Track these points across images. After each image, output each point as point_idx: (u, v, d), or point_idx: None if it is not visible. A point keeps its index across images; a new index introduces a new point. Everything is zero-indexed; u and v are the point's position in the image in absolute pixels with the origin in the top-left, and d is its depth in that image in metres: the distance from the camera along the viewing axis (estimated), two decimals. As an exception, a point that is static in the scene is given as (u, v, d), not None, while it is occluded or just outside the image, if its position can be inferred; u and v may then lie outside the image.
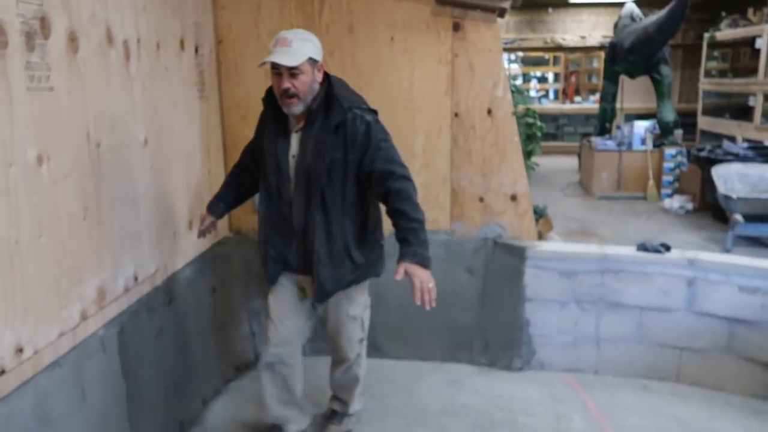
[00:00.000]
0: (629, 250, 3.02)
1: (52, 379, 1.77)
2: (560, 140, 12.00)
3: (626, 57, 7.54)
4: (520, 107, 5.04)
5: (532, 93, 13.71)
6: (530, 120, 5.01)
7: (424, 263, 2.01)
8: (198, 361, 2.79)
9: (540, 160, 10.33)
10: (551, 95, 14.42)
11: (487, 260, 3.15)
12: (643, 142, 7.52)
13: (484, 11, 2.87)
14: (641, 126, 7.57)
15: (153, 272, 2.40)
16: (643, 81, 8.20)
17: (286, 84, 2.01)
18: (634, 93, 9.43)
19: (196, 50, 2.81)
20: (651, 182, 7.44)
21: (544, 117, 12.26)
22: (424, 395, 2.96)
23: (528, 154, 5.04)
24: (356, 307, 2.39)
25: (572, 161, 9.77)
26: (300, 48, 2.02)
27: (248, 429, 2.70)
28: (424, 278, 1.98)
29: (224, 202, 2.49)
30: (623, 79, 8.38)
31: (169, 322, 2.52)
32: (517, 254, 3.06)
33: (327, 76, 2.17)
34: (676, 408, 2.81)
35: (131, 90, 2.21)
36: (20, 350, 1.62)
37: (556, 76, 14.39)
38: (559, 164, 10.16)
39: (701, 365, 2.95)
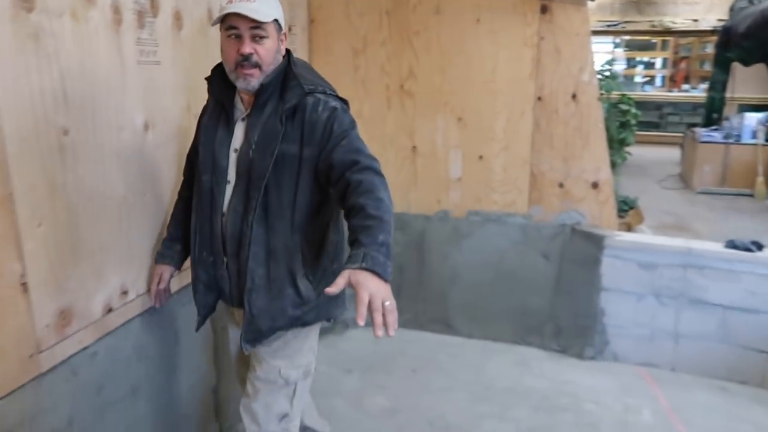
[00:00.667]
0: (716, 246, 2.89)
1: (151, 321, 1.99)
2: (663, 130, 11.38)
3: (740, 43, 7.01)
4: (614, 93, 4.85)
5: (637, 78, 13.04)
6: (624, 107, 4.81)
7: (379, 271, 1.31)
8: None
9: (638, 150, 9.87)
10: (658, 82, 13.65)
11: (564, 246, 3.12)
12: (754, 135, 6.99)
13: (575, -8, 2.82)
14: (753, 118, 7.05)
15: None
16: (759, 69, 7.58)
17: (248, 48, 1.52)
18: (747, 82, 8.75)
19: (290, 29, 2.96)
20: (760, 179, 6.93)
21: (647, 105, 11.67)
22: (491, 374, 3.01)
23: (620, 143, 4.85)
24: (292, 365, 1.72)
25: (674, 152, 9.27)
26: (264, 5, 1.53)
27: (319, 391, 2.87)
28: (375, 291, 1.28)
29: (180, 242, 1.86)
30: (735, 66, 7.79)
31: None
32: (595, 242, 3.01)
33: (288, 53, 1.66)
34: (755, 413, 2.68)
35: (228, 66, 2.39)
36: (125, 292, 1.85)
37: (665, 62, 13.60)
38: (660, 155, 9.67)
39: (790, 371, 2.79)
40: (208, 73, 1.73)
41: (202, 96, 1.79)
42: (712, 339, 2.91)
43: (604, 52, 13.50)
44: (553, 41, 2.93)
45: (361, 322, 1.25)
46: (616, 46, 13.67)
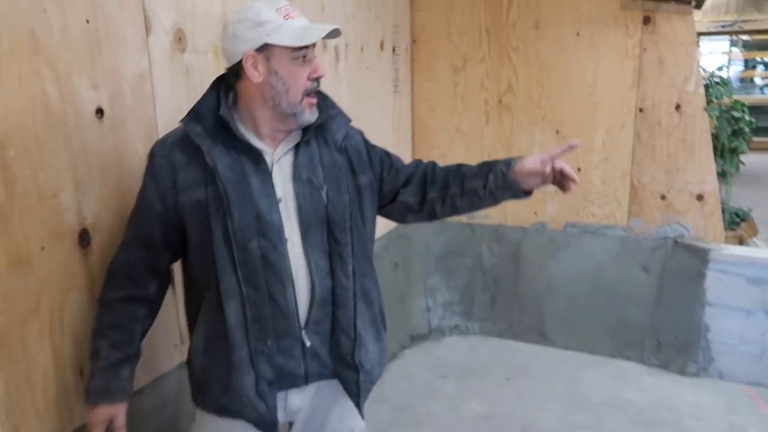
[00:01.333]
0: (836, 262, 2.74)
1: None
2: (785, 136, 10.53)
3: None
4: (726, 99, 4.64)
5: (757, 80, 12.17)
6: (737, 114, 4.60)
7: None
8: (379, 324, 3.17)
9: (756, 158, 9.25)
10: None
11: (666, 259, 3.07)
12: None
13: (679, 3, 2.79)
14: None
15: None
16: None
17: (321, 69, 1.32)
18: None
19: (393, 50, 3.16)
20: None
21: (766, 109, 10.87)
22: (587, 385, 3.02)
23: (732, 151, 4.64)
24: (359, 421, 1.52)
25: (797, 160, 8.60)
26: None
27: (417, 393, 3.01)
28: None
29: (130, 364, 1.35)
30: None
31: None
32: (699, 256, 2.94)
33: None
34: None
35: (338, 87, 2.61)
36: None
37: (789, 62, 12.62)
38: (781, 163, 9.00)
39: None
40: None
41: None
42: (830, 360, 2.76)
43: (720, 53, 12.73)
44: (656, 52, 2.91)
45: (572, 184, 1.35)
46: (733, 45, 12.82)
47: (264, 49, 1.24)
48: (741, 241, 4.74)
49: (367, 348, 1.41)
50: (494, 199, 1.44)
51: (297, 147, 1.34)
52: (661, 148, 3.00)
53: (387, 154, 1.53)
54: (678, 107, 2.92)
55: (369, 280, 1.44)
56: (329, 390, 1.44)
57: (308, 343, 1.35)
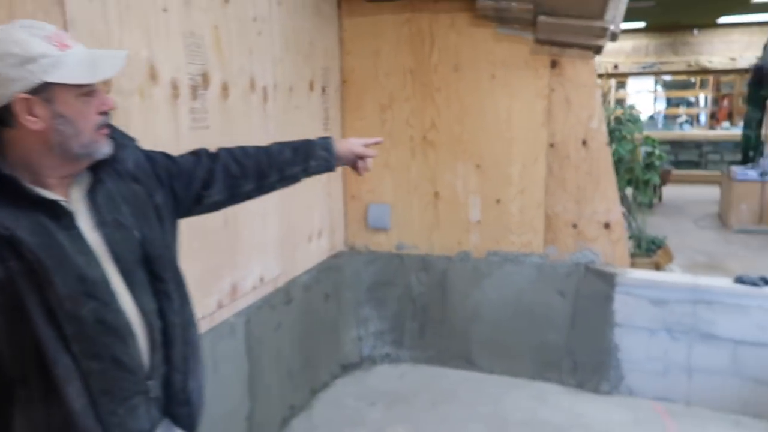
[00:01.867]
0: (724, 282, 3.02)
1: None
2: (703, 168, 11.30)
3: (772, 82, 7.08)
4: (637, 135, 5.03)
5: (683, 118, 13.04)
6: (649, 149, 4.99)
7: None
8: (310, 355, 3.25)
9: (677, 190, 9.87)
10: (702, 120, 13.60)
11: (579, 284, 3.30)
12: (790, 173, 6.97)
13: (581, 49, 3.07)
14: (788, 155, 7.05)
15: (276, 275, 2.90)
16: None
17: (110, 101, 1.18)
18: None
19: (323, 90, 3.32)
20: (798, 216, 6.87)
21: (687, 144, 11.67)
22: (508, 407, 3.17)
23: (645, 183, 5.00)
24: None
25: (714, 191, 9.22)
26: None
27: (345, 421, 3.09)
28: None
29: None
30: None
31: (286, 318, 3.00)
32: (607, 280, 3.18)
33: None
34: (769, 447, 2.76)
35: (267, 126, 2.74)
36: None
37: (707, 100, 13.57)
38: (700, 194, 9.63)
39: (802, 407, 2.86)
40: (250, 133, 2.00)
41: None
42: (724, 373, 3.01)
43: (646, 92, 13.61)
44: (563, 92, 3.18)
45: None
46: (658, 84, 13.74)
47: (41, 89, 1.04)
48: (657, 267, 5.06)
49: (197, 375, 1.35)
50: (308, 177, 1.60)
51: (92, 189, 1.18)
52: (570, 180, 3.25)
53: (169, 158, 1.39)
54: (584, 142, 3.19)
55: (188, 305, 1.35)
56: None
57: (153, 394, 1.23)
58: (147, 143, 1.94)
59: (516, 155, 3.32)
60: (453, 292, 3.56)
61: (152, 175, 1.32)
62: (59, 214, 1.10)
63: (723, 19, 10.22)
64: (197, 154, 1.46)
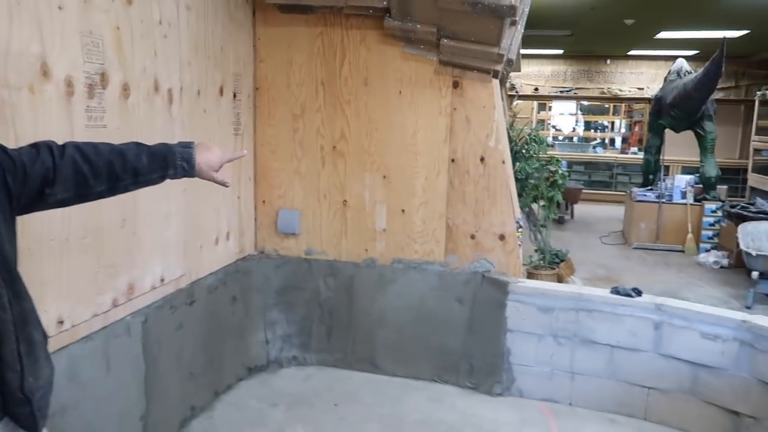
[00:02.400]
0: (603, 292, 3.28)
1: (84, 349, 2.28)
2: (614, 189, 12.04)
3: (669, 112, 7.69)
4: (543, 155, 5.37)
5: (596, 141, 13.84)
6: (552, 168, 5.33)
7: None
8: (214, 357, 3.27)
9: (588, 207, 10.48)
10: (618, 143, 14.47)
11: (476, 292, 3.49)
12: (684, 195, 7.57)
13: (480, 72, 3.28)
14: (682, 179, 7.67)
15: (178, 276, 2.91)
16: (689, 134, 8.27)
17: None
18: (680, 145, 9.48)
19: (235, 96, 3.37)
20: (690, 236, 7.47)
21: (599, 165, 12.40)
22: (406, 408, 3.30)
23: (549, 200, 5.33)
24: None
25: (622, 210, 9.86)
26: None
27: (246, 422, 3.12)
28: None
29: None
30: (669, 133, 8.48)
31: (189, 319, 3.01)
32: (500, 288, 3.38)
33: None
34: (637, 442, 3.01)
35: (172, 128, 2.76)
36: (61, 322, 2.15)
37: (620, 125, 14.45)
38: (609, 212, 10.25)
39: (667, 405, 3.14)
40: (153, 134, 2.10)
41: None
42: (602, 375, 3.26)
43: (568, 114, 14.39)
44: (464, 112, 3.38)
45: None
46: (579, 109, 14.57)
47: None
48: (560, 279, 5.38)
49: (37, 374, 1.34)
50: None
51: None
52: (469, 194, 3.44)
53: (4, 152, 1.33)
54: (482, 159, 3.39)
55: (25, 301, 1.34)
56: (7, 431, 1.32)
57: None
58: (38, 138, 1.94)
59: (420, 168, 3.48)
60: (359, 297, 3.67)
61: None
62: None
63: (633, 51, 10.98)
64: (36, 147, 1.39)
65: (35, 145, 1.40)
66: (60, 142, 1.44)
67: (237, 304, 3.51)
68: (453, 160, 3.44)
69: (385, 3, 3.17)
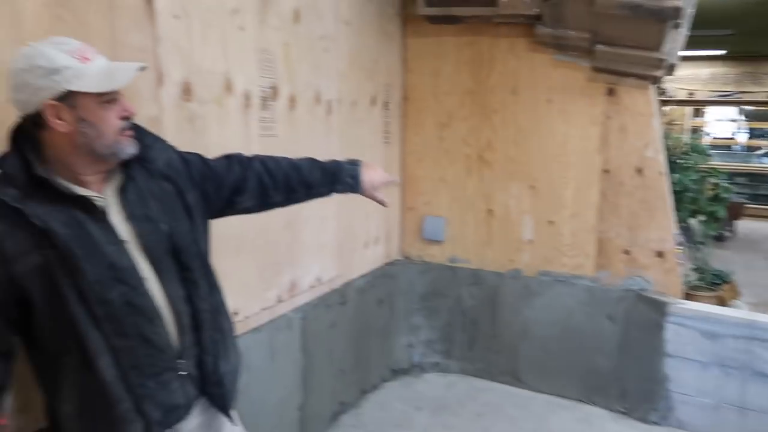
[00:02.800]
0: (782, 319, 2.94)
1: (254, 339, 2.47)
2: (781, 204, 10.73)
3: None
4: (703, 166, 4.93)
5: (762, 150, 12.48)
6: (714, 180, 4.87)
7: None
8: (362, 356, 3.39)
9: (753, 225, 9.43)
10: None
11: (629, 311, 3.28)
12: None
13: (638, 78, 3.10)
14: None
15: (333, 277, 3.07)
16: None
17: (130, 108, 1.31)
18: None
19: (385, 105, 3.49)
20: None
21: (765, 177, 11.12)
22: (552, 426, 3.19)
23: (710, 215, 4.88)
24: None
25: (794, 228, 8.80)
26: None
27: (391, 423, 3.19)
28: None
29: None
30: None
31: (341, 318, 3.15)
32: (658, 309, 3.15)
33: None
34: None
35: (330, 137, 2.93)
36: (236, 313, 2.35)
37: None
38: (777, 230, 9.18)
39: None
40: (314, 143, 2.39)
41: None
42: (780, 413, 2.91)
43: (727, 120, 13.10)
44: (619, 120, 3.21)
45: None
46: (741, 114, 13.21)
47: (66, 97, 1.19)
48: (722, 302, 4.90)
49: (228, 359, 1.50)
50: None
51: (124, 185, 1.33)
52: (624, 206, 3.25)
53: (204, 162, 1.53)
54: (639, 170, 3.20)
55: (218, 293, 1.52)
56: (204, 411, 1.48)
57: (184, 372, 1.38)
58: (221, 147, 2.17)
59: (570, 179, 3.36)
60: (503, 307, 3.62)
61: (186, 176, 1.46)
62: (91, 208, 1.25)
63: (810, 50, 9.74)
64: (229, 159, 1.59)
65: (229, 157, 1.60)
66: (246, 154, 1.63)
67: (383, 307, 3.61)
68: (606, 171, 3.28)
69: (536, 10, 3.11)
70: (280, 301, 2.63)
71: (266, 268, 2.53)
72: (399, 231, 3.81)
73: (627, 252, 3.28)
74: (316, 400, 2.95)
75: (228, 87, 2.23)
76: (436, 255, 3.77)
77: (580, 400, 3.46)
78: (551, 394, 3.52)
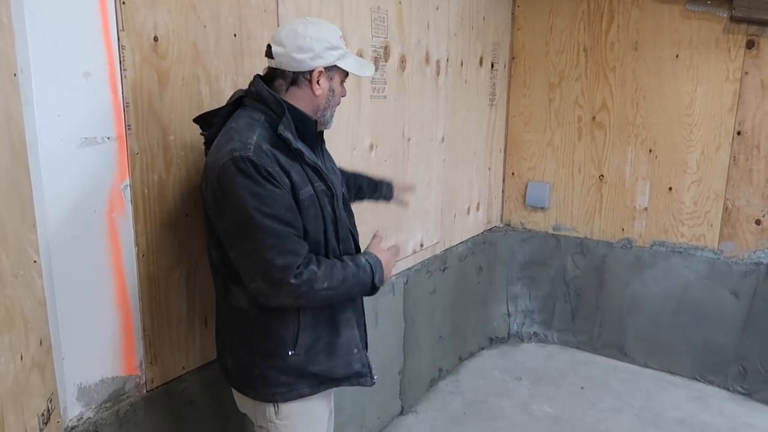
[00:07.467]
0: None
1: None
2: None
3: None
4: None
5: None
6: None
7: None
8: (460, 323, 3.36)
9: None
10: None
11: (758, 285, 3.02)
12: None
13: (786, 28, 2.77)
14: None
15: (434, 243, 3.03)
16: None
17: (346, 91, 1.58)
18: None
19: (492, 65, 3.35)
20: None
21: None
22: (663, 403, 3.03)
23: None
24: None
25: None
26: None
27: (491, 391, 3.16)
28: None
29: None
30: None
31: (441, 285, 3.13)
32: (793, 284, 2.88)
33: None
34: None
35: (437, 98, 2.84)
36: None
37: None
38: None
39: None
40: (421, 104, 2.35)
41: (415, 124, 2.19)
42: None
43: None
44: (759, 76, 2.90)
45: None
46: None
47: (330, 69, 1.43)
48: None
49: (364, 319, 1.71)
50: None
51: (321, 147, 1.58)
52: (758, 172, 2.96)
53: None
54: (780, 132, 2.89)
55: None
56: None
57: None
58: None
59: (695, 142, 3.10)
60: (611, 279, 3.44)
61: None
62: (317, 151, 1.53)
63: None
64: (308, 255, 1.56)
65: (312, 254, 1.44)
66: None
67: (482, 275, 3.54)
68: (739, 133, 2.99)
69: (665, -45, 2.84)
70: (386, 265, 2.62)
71: (376, 231, 2.51)
72: (501, 197, 3.70)
73: (758, 222, 3.00)
74: (415, 364, 2.96)
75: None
76: (540, 222, 3.63)
77: (694, 378, 3.26)
78: (660, 369, 3.35)
